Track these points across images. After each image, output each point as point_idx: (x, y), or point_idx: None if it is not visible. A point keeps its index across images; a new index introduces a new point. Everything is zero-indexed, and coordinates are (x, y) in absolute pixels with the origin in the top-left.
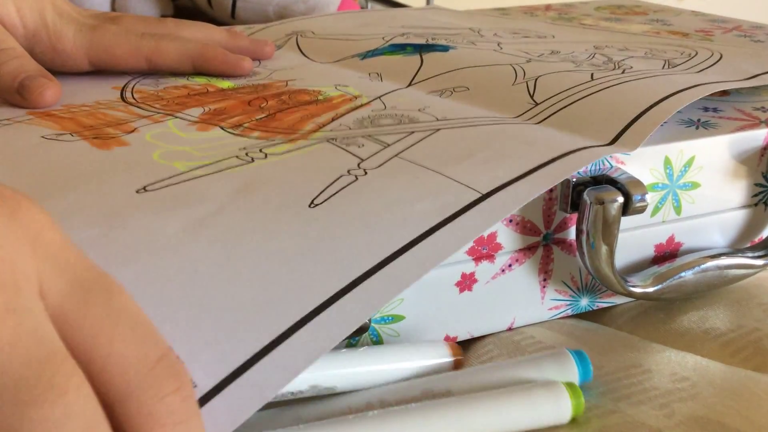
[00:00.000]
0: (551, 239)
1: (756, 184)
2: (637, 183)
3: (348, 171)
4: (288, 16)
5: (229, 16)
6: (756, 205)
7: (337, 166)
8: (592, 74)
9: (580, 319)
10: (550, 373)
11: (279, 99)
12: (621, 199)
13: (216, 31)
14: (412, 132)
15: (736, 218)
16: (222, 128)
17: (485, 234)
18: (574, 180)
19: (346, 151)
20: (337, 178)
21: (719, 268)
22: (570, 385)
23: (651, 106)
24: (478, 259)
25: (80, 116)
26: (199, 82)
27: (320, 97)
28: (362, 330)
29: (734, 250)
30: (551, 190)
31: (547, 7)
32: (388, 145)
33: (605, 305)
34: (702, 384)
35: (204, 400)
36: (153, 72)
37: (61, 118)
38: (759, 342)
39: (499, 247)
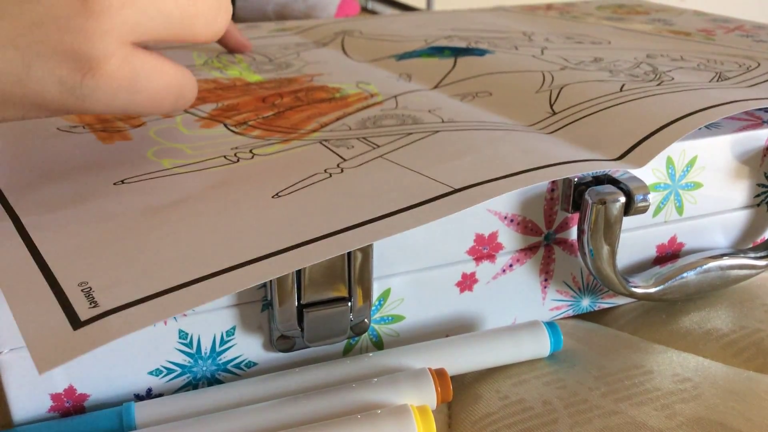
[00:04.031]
0: (552, 239)
1: (758, 185)
2: (639, 183)
3: (325, 170)
4: (287, 15)
5: None
6: (758, 205)
7: (316, 166)
8: (623, 85)
9: (581, 320)
10: (528, 346)
11: (295, 96)
12: (623, 199)
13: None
14: (410, 133)
15: (738, 219)
16: (225, 126)
17: (486, 234)
18: (576, 180)
19: (334, 152)
20: (311, 176)
21: (721, 268)
22: (421, 409)
23: (670, 123)
24: (478, 259)
25: None
26: (230, 75)
27: (337, 95)
28: (362, 330)
29: (736, 250)
30: (552, 190)
31: (548, 7)
32: (377, 147)
33: (607, 306)
34: (704, 385)
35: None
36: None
37: None
38: (761, 343)
39: (500, 246)
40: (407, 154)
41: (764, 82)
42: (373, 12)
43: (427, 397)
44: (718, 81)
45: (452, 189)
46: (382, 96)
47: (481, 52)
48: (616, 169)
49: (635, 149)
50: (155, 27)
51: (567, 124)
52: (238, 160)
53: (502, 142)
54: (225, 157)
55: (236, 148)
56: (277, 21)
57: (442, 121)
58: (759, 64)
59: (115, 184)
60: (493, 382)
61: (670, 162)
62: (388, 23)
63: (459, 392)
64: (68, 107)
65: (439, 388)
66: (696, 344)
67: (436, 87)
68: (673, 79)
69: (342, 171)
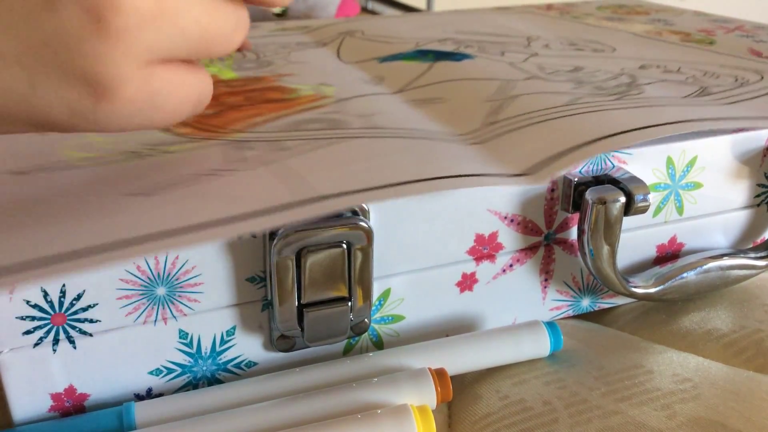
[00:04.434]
0: (553, 239)
1: (758, 185)
2: (640, 183)
3: (197, 173)
4: (288, 15)
5: None
6: (758, 205)
7: (206, 167)
8: (576, 99)
9: (581, 320)
10: (528, 346)
11: (246, 95)
12: (623, 199)
13: None
14: (328, 138)
15: (738, 219)
16: None
17: (486, 234)
18: (576, 180)
19: (232, 154)
20: (190, 175)
21: (721, 268)
22: (421, 409)
23: (590, 141)
24: (479, 258)
25: None
26: (210, 70)
27: (291, 96)
28: (362, 330)
29: (736, 250)
30: (553, 190)
31: (548, 7)
32: (281, 150)
33: (607, 306)
34: (704, 385)
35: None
36: None
37: None
38: (761, 343)
39: (500, 246)
40: (304, 159)
41: (748, 99)
42: (373, 12)
43: (427, 397)
44: (698, 96)
45: (319, 196)
46: (332, 99)
47: (460, 57)
48: (618, 169)
49: (540, 167)
50: (174, 47)
51: (495, 137)
52: (141, 156)
53: (408, 152)
54: (133, 152)
55: (150, 144)
56: (277, 21)
57: (368, 128)
58: (762, 78)
59: (12, 173)
60: (493, 382)
61: (670, 162)
62: (393, 24)
63: (459, 392)
64: (79, 128)
65: (439, 388)
66: (696, 344)
67: (399, 91)
68: (642, 92)
69: (223, 174)
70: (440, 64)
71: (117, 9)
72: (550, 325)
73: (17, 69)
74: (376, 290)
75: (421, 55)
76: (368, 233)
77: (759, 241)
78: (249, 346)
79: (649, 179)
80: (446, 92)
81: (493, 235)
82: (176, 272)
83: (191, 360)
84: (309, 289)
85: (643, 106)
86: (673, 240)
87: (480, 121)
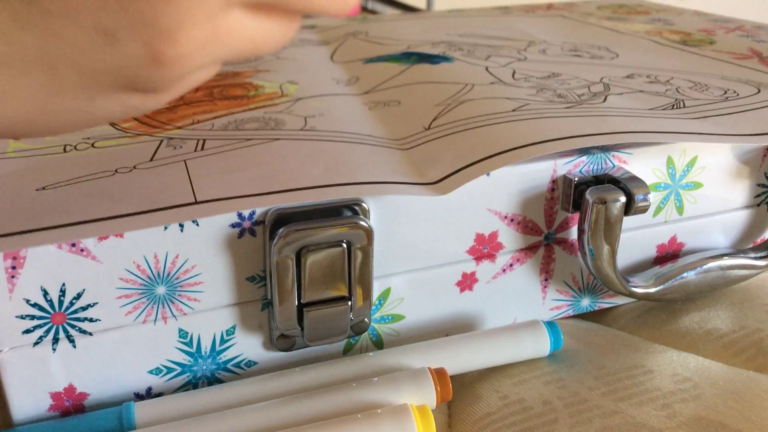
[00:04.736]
0: (553, 239)
1: (758, 185)
2: (640, 183)
3: (116, 170)
4: None
5: None
6: (758, 205)
7: (121, 164)
8: (522, 106)
9: (581, 320)
10: (528, 346)
11: (209, 91)
12: (623, 199)
13: None
14: (249, 138)
15: (738, 219)
16: None
17: (486, 233)
18: (576, 179)
19: (156, 151)
20: (95, 173)
21: (721, 268)
22: (421, 409)
23: (504, 151)
24: (479, 258)
25: None
26: None
27: (251, 93)
28: (362, 329)
29: (736, 250)
30: (553, 190)
31: (549, 7)
32: (199, 150)
33: (607, 305)
34: (704, 385)
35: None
36: None
37: None
38: (761, 343)
39: (500, 246)
40: (211, 161)
41: (720, 115)
42: (373, 12)
43: (427, 396)
44: (666, 109)
45: (193, 202)
46: (288, 98)
47: (439, 60)
48: (618, 169)
49: (452, 176)
50: (224, 60)
51: (424, 142)
52: (75, 149)
53: (323, 156)
54: (70, 144)
55: (89, 138)
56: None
57: (303, 130)
58: (758, 91)
59: None
60: (493, 382)
61: (670, 162)
62: (399, 26)
63: (459, 392)
64: (131, 116)
65: (438, 388)
66: (696, 344)
67: (366, 92)
68: (603, 102)
69: (130, 171)
70: (417, 66)
71: (174, 41)
72: (550, 324)
73: (79, 91)
74: (376, 290)
75: (405, 57)
76: (368, 233)
77: (759, 241)
78: (249, 346)
79: (649, 179)
80: (406, 95)
81: (493, 235)
82: (176, 271)
83: (191, 359)
84: (309, 289)
85: (589, 116)
86: (673, 240)
87: (421, 125)
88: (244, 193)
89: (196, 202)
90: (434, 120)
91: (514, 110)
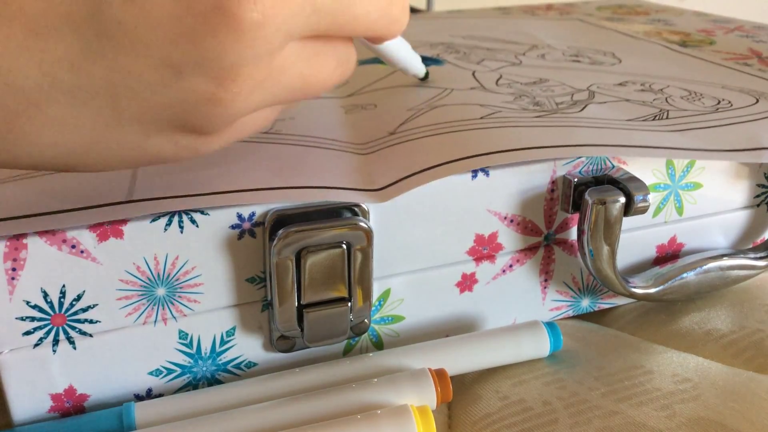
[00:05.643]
0: (552, 239)
1: (758, 185)
2: (639, 183)
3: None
4: None
5: None
6: (758, 206)
7: None
8: (493, 113)
9: (581, 320)
10: (528, 346)
11: None
12: (623, 200)
13: None
14: None
15: (738, 219)
16: None
17: (486, 234)
18: (576, 180)
19: None
20: (30, 171)
21: (721, 269)
22: (421, 409)
23: (451, 161)
24: (478, 259)
25: None
26: None
27: None
28: (362, 330)
29: (736, 251)
30: (552, 190)
31: (548, 7)
32: None
33: (607, 306)
34: (704, 385)
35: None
36: None
37: None
38: (761, 343)
39: (500, 247)
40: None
41: (703, 128)
42: None
43: (427, 397)
44: (648, 120)
45: (129, 200)
46: None
47: (429, 63)
48: (618, 170)
49: (394, 184)
50: (276, 99)
51: (384, 147)
52: None
53: (276, 160)
54: None
55: None
56: None
57: (268, 133)
58: (756, 101)
59: None
60: (493, 383)
61: (670, 162)
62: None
63: (459, 392)
64: (184, 158)
65: (439, 389)
66: (696, 344)
67: (349, 95)
68: (583, 109)
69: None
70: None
71: (236, 77)
72: (550, 325)
73: (136, 125)
74: (376, 290)
75: None
76: (368, 233)
77: (759, 241)
78: (249, 347)
79: (648, 179)
80: (384, 98)
81: (493, 236)
82: (176, 273)
83: (191, 360)
84: (309, 290)
85: (554, 126)
86: (672, 240)
87: (387, 130)
88: (175, 194)
89: (126, 201)
90: (401, 125)
91: (481, 118)
